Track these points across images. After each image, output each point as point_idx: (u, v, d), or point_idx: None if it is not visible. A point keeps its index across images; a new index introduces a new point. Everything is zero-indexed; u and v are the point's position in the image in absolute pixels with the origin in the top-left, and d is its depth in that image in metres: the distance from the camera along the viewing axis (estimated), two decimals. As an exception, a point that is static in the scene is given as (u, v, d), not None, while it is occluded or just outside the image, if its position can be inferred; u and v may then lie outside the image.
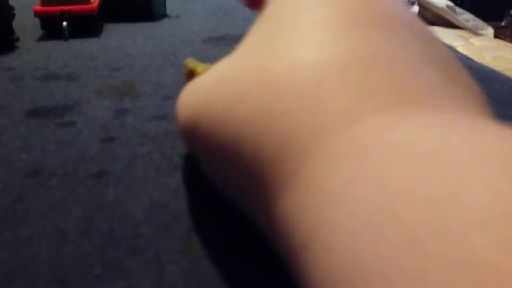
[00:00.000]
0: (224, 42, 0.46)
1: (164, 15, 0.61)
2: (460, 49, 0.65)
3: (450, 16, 0.99)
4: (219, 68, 0.17)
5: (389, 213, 0.09)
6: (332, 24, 0.15)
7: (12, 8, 0.44)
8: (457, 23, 0.97)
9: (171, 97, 0.31)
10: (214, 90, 0.16)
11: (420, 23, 0.16)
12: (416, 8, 0.90)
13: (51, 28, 0.48)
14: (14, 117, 0.28)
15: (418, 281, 0.08)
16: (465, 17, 1.06)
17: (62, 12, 0.47)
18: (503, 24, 1.68)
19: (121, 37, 0.49)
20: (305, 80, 0.13)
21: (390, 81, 0.13)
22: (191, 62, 0.24)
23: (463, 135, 0.10)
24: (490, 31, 1.27)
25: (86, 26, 0.49)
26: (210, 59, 0.24)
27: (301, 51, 0.14)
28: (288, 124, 0.13)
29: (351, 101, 0.12)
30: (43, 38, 0.48)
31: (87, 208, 0.20)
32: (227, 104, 0.15)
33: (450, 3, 1.03)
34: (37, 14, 0.47)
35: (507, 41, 1.24)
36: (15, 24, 0.44)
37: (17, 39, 0.45)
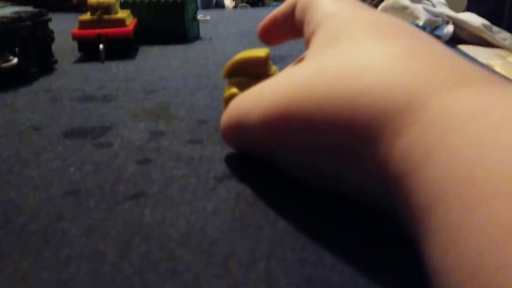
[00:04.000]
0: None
1: (197, 38, 0.61)
2: (497, 68, 0.63)
3: (486, 35, 0.97)
4: (303, 69, 0.21)
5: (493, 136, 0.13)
6: (377, 36, 0.20)
7: (52, 32, 0.45)
8: (494, 42, 0.95)
9: (205, 121, 0.31)
10: (311, 81, 0.19)
11: (420, 31, 0.21)
12: (451, 28, 0.89)
13: (88, 50, 0.49)
14: (52, 138, 0.29)
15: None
16: (502, 35, 1.04)
17: (99, 35, 0.48)
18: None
19: (155, 59, 0.49)
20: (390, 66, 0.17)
21: (451, 67, 0.17)
22: (230, 87, 0.26)
23: None
24: (528, 50, 1.24)
25: (122, 49, 0.50)
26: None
27: (368, 55, 0.19)
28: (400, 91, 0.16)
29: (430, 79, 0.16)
30: (80, 60, 0.49)
31: (125, 229, 0.19)
32: (331, 88, 0.18)
33: (486, 22, 1.01)
34: (75, 37, 0.49)
35: (545, 60, 1.20)
36: (54, 47, 0.46)
37: (56, 62, 0.46)
